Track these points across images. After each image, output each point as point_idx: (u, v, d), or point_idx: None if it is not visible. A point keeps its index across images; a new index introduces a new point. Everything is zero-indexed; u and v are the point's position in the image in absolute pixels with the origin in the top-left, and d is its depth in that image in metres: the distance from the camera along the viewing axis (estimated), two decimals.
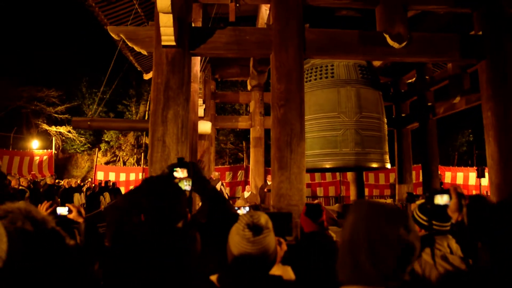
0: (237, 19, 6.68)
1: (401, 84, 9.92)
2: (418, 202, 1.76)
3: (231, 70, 11.38)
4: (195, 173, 1.56)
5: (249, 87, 10.90)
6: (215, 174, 9.25)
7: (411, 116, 9.62)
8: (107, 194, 9.83)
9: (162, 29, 3.65)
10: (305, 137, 3.98)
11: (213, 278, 1.19)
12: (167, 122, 3.82)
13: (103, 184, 11.39)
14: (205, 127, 7.46)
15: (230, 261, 1.18)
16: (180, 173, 1.56)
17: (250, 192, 9.82)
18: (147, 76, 11.46)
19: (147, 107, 21.62)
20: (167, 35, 3.73)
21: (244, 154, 20.77)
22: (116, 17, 7.83)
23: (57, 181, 11.16)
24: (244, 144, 21.39)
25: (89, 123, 7.66)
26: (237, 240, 1.15)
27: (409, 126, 9.77)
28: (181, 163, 1.56)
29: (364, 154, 6.16)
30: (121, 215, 1.34)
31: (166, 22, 3.60)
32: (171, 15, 3.56)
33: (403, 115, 9.85)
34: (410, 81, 9.68)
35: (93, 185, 11.53)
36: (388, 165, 6.66)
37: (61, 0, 22.59)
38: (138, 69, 10.84)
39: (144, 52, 4.21)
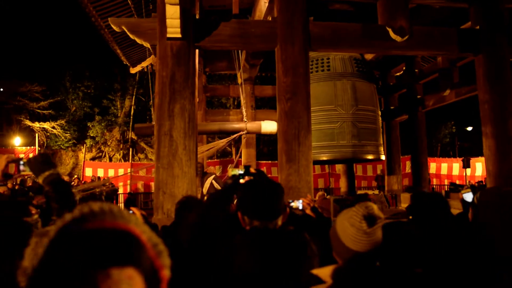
0: (231, 12, 6.62)
1: (389, 77, 10.07)
2: (463, 192, 1.80)
3: (221, 63, 11.28)
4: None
5: (239, 81, 10.84)
6: (210, 169, 9.20)
7: (400, 108, 9.78)
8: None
9: (168, 21, 3.59)
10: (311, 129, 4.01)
11: (323, 274, 1.13)
12: (174, 116, 3.78)
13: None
14: (270, 127, 6.95)
15: (343, 255, 1.16)
16: None
17: None
18: (133, 70, 11.22)
19: (132, 101, 21.19)
20: (173, 27, 3.68)
21: (233, 148, 20.68)
22: (106, 9, 7.64)
23: None
24: None
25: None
26: (352, 233, 1.13)
27: (398, 119, 9.94)
28: (248, 172, 1.47)
29: (361, 146, 6.27)
30: (195, 232, 1.33)
31: (172, 14, 3.54)
32: (178, 7, 3.50)
33: (391, 107, 10.01)
34: (398, 74, 9.85)
35: (83, 182, 11.27)
36: (383, 157, 6.79)
37: None
38: (124, 62, 10.58)
39: (147, 45, 4.13)
